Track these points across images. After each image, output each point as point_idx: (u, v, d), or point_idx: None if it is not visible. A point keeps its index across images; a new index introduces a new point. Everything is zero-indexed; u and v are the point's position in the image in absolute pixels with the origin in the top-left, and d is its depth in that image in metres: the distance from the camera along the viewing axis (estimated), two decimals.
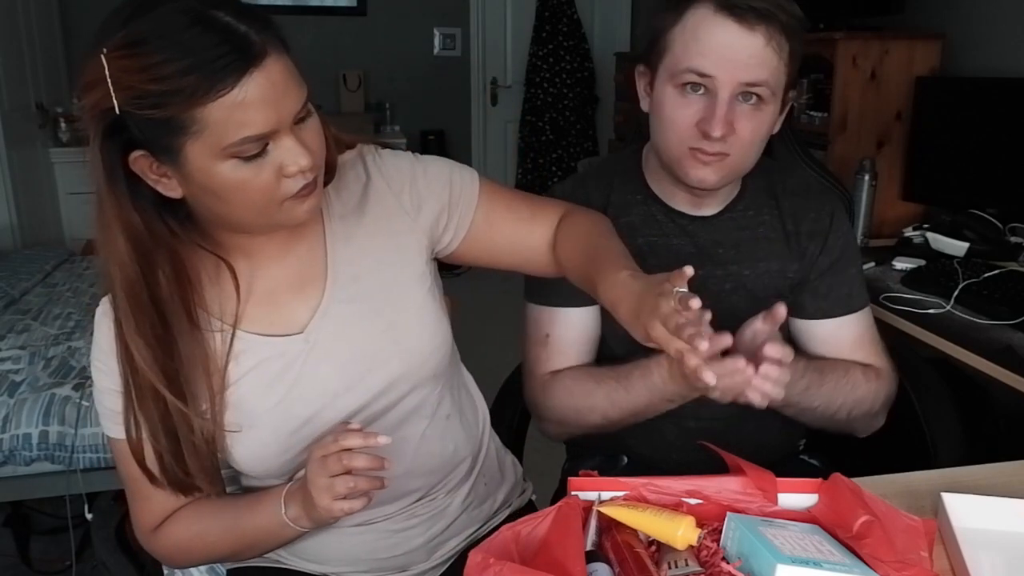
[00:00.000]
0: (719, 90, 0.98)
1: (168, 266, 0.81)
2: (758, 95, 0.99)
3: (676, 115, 1.02)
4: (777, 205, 1.15)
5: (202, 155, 0.74)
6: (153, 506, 0.91)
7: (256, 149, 0.74)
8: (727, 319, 1.13)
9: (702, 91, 1.00)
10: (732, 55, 0.97)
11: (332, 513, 0.81)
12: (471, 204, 0.98)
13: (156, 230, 0.80)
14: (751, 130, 1.01)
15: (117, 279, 0.80)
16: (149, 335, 0.81)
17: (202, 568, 1.07)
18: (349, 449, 0.80)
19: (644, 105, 1.09)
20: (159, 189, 0.78)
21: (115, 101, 0.71)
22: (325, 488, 0.80)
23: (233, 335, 0.87)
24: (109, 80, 0.70)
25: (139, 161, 0.76)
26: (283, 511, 0.86)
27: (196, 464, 0.86)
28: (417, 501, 0.98)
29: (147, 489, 0.89)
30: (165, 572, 1.09)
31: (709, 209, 1.14)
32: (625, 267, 0.83)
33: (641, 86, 1.10)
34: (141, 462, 0.86)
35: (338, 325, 0.90)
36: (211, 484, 0.90)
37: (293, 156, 0.76)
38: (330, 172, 0.89)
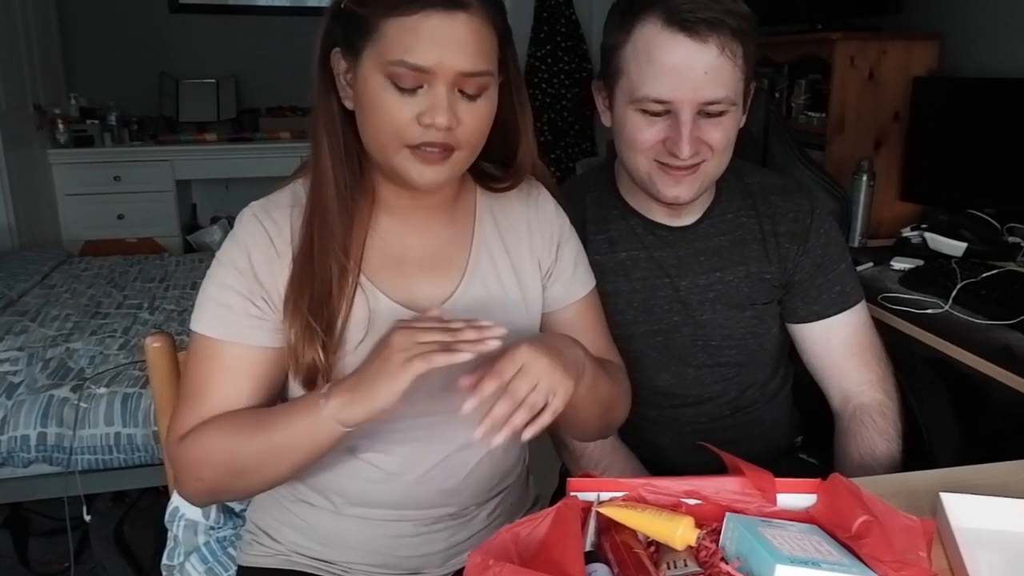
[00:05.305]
0: (680, 112, 0.98)
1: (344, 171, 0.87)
2: (720, 106, 0.99)
3: (639, 137, 1.02)
4: (754, 206, 1.14)
5: (370, 62, 0.81)
6: (201, 409, 0.87)
7: (409, 81, 0.80)
8: (712, 330, 1.13)
9: (663, 112, 0.99)
10: (688, 74, 0.96)
11: (403, 374, 0.74)
12: (569, 296, 1.01)
13: (346, 132, 0.87)
14: (720, 139, 1.01)
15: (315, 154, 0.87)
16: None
17: (200, 569, 1.07)
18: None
19: (605, 120, 1.09)
20: (340, 93, 0.86)
21: None
22: (404, 348, 0.74)
23: (358, 278, 0.89)
24: None
25: (335, 56, 0.85)
26: (321, 400, 0.79)
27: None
28: (449, 513, 0.98)
29: (202, 392, 0.87)
30: (164, 573, 1.09)
31: (688, 218, 1.13)
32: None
33: (599, 101, 1.09)
34: (297, 360, 0.85)
35: None
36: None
37: (435, 108, 0.80)
38: (518, 174, 0.97)
